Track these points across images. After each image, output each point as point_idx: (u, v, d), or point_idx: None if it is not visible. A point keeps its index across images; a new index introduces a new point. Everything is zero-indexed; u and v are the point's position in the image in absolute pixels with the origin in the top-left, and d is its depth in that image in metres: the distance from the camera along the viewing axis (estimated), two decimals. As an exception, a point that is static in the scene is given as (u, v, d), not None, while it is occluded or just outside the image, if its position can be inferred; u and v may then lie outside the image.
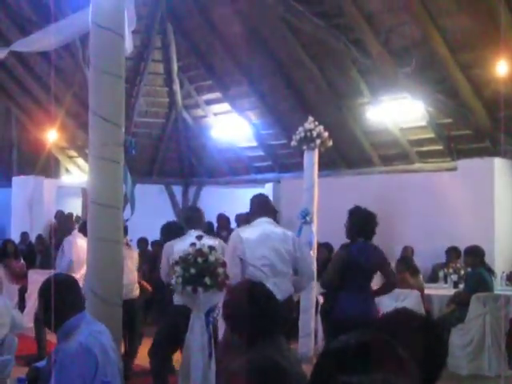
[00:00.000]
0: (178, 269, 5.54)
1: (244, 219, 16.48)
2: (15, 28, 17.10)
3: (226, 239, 15.22)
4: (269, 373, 2.89)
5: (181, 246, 6.96)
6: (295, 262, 7.05)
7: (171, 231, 8.80)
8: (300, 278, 7.14)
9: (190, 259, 5.56)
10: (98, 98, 5.52)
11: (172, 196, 20.07)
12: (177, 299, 7.24)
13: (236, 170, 18.51)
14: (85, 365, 3.78)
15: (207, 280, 5.47)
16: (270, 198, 16.76)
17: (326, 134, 9.83)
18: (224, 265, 5.67)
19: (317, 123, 9.85)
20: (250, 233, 6.93)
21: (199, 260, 5.53)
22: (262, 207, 7.30)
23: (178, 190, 20.19)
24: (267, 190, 17.46)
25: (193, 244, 5.81)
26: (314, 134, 9.72)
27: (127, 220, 5.79)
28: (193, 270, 5.48)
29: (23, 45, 13.09)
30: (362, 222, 7.28)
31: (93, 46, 5.61)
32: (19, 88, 19.61)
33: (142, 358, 9.10)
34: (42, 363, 4.22)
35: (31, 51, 14.49)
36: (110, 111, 5.47)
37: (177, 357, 8.43)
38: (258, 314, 3.57)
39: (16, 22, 17.18)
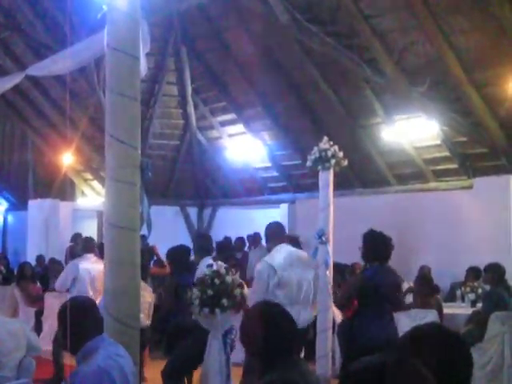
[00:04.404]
0: (195, 290, 5.53)
1: (252, 239, 16.62)
2: (30, 52, 17.26)
3: (238, 260, 15.35)
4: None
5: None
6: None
7: (182, 255, 8.87)
8: None
9: (207, 280, 5.55)
10: (113, 120, 5.52)
11: (187, 218, 20.08)
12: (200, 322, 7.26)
13: (251, 190, 18.51)
14: (103, 387, 3.77)
15: (225, 301, 5.45)
16: (285, 218, 16.98)
17: (340, 154, 9.80)
18: (241, 286, 5.66)
19: (331, 143, 9.84)
20: (278, 261, 6.94)
21: (216, 281, 5.53)
22: (278, 233, 7.38)
23: (193, 211, 20.22)
24: (282, 210, 17.48)
25: (210, 265, 5.80)
26: (329, 153, 9.69)
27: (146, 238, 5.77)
28: (210, 292, 5.47)
29: (38, 69, 13.18)
30: (376, 246, 7.27)
31: (108, 69, 5.62)
32: (35, 112, 19.77)
33: (152, 380, 9.08)
34: (60, 387, 4.22)
35: (46, 75, 14.59)
36: (126, 133, 5.47)
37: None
38: (274, 335, 3.54)
39: (31, 46, 17.34)
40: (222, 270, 5.60)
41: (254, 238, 16.65)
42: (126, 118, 5.50)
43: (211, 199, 19.79)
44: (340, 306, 7.57)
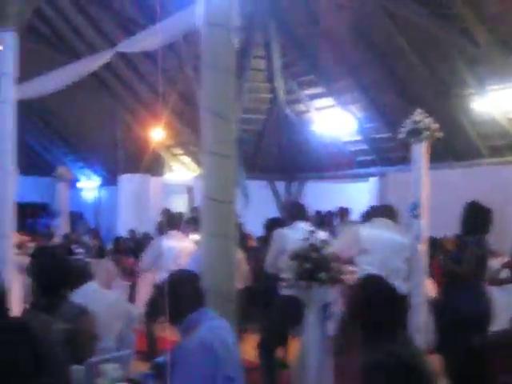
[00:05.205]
0: (292, 264, 5.51)
1: (340, 214, 16.59)
2: (119, 29, 17.46)
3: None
4: (397, 370, 2.81)
5: (293, 235, 7.15)
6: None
7: (276, 226, 8.84)
8: None
9: (304, 254, 5.52)
10: (209, 94, 5.54)
11: (275, 192, 20.09)
12: (284, 290, 7.28)
13: (339, 164, 18.35)
14: (205, 360, 3.79)
15: (322, 275, 5.42)
16: (375, 192, 16.79)
17: (434, 126, 9.60)
18: (338, 260, 5.62)
19: (425, 114, 9.64)
20: (368, 230, 7.06)
21: (313, 255, 5.49)
22: (381, 209, 7.80)
23: (280, 185, 20.21)
24: (371, 184, 17.31)
25: (306, 239, 5.77)
26: (423, 125, 9.50)
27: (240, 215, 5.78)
28: (307, 265, 5.44)
29: (128, 45, 13.32)
30: (477, 219, 7.15)
31: (204, 43, 5.63)
32: (124, 88, 20.04)
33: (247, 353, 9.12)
34: (161, 359, 4.26)
35: (135, 51, 14.75)
36: (222, 107, 5.49)
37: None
38: (383, 309, 3.50)
39: (120, 22, 17.54)
40: (319, 244, 5.56)
41: (342, 213, 16.57)
42: (222, 91, 5.52)
43: (299, 173, 19.73)
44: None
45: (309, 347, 5.58)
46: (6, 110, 8.96)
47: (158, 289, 9.53)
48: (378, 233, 7.28)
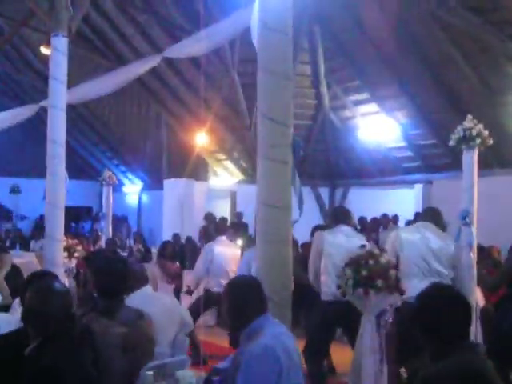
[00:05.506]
0: (347, 270, 5.47)
1: (384, 221, 16.51)
2: (166, 35, 17.55)
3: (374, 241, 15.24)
4: (473, 380, 2.76)
5: (332, 239, 7.18)
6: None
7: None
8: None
9: (360, 261, 5.48)
10: (266, 99, 5.51)
11: (318, 198, 20.03)
12: (324, 296, 7.27)
13: (384, 171, 18.26)
14: (269, 366, 3.76)
15: (379, 282, 5.37)
16: (420, 199, 16.62)
17: (486, 133, 9.49)
18: (395, 267, 5.56)
19: (476, 121, 9.53)
20: (408, 234, 7.06)
21: (370, 262, 5.45)
22: (426, 211, 7.93)
23: (324, 191, 20.14)
24: (416, 191, 17.17)
25: (363, 246, 5.74)
26: (474, 132, 9.40)
27: (295, 222, 5.75)
28: (364, 272, 5.40)
29: (175, 51, 13.40)
30: None
31: (261, 47, 5.61)
32: (169, 93, 20.12)
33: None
34: (222, 364, 4.25)
35: (181, 57, 14.83)
36: (279, 112, 5.46)
37: (342, 359, 8.40)
38: (456, 318, 3.46)
39: (166, 28, 17.63)
40: (376, 251, 5.52)
41: (389, 220, 16.47)
42: (279, 96, 5.49)
43: (343, 179, 19.66)
44: (490, 289, 7.41)
45: (364, 355, 5.53)
46: (58, 114, 9.06)
47: (209, 294, 9.58)
48: (414, 237, 7.30)
